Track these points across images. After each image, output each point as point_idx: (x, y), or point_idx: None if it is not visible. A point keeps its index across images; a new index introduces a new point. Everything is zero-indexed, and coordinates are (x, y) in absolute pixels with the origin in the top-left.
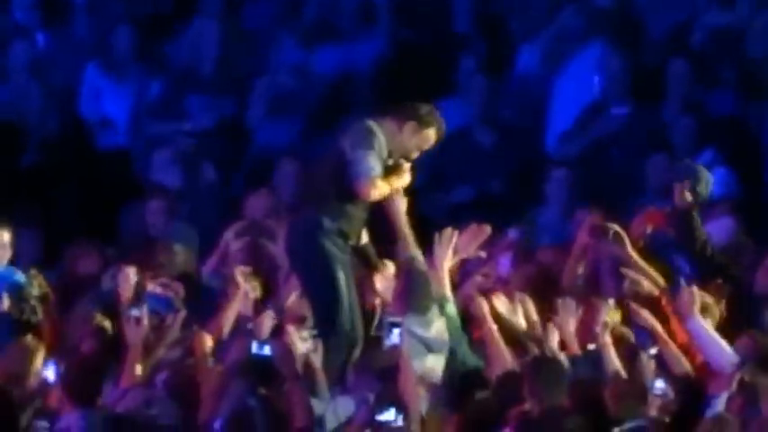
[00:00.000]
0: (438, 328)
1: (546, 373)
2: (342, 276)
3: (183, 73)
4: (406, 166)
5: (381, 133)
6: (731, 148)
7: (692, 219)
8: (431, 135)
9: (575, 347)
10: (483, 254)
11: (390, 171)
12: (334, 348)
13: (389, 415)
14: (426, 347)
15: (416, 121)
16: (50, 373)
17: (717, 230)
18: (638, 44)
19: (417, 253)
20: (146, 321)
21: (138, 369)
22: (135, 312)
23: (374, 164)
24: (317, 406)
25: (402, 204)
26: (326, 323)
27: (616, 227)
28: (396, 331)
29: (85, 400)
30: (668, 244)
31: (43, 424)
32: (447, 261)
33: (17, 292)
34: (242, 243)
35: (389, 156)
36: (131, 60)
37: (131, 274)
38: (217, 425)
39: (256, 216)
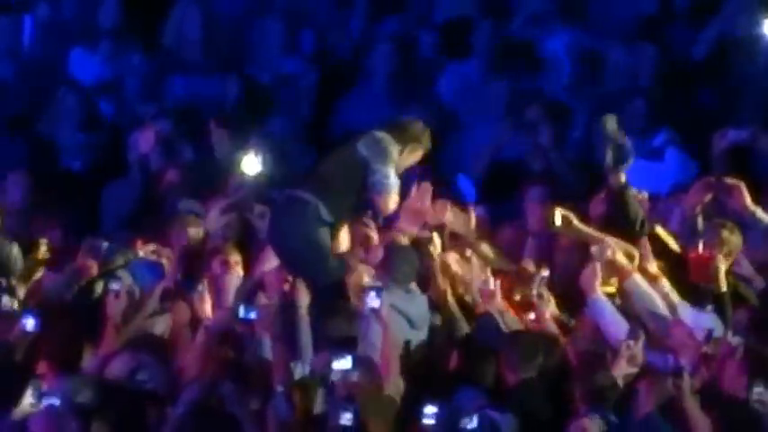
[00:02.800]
0: (420, 302)
1: (523, 346)
2: (330, 259)
3: (166, 54)
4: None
5: (394, 149)
6: (684, 130)
7: (627, 199)
8: (420, 155)
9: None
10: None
11: None
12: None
13: (346, 363)
14: (409, 323)
15: (417, 143)
16: (30, 324)
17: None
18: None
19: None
20: (124, 295)
21: (116, 340)
22: (114, 286)
23: (394, 179)
24: (299, 367)
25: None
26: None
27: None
28: (373, 294)
29: (68, 366)
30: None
31: (38, 385)
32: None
33: None
34: (227, 219)
35: None
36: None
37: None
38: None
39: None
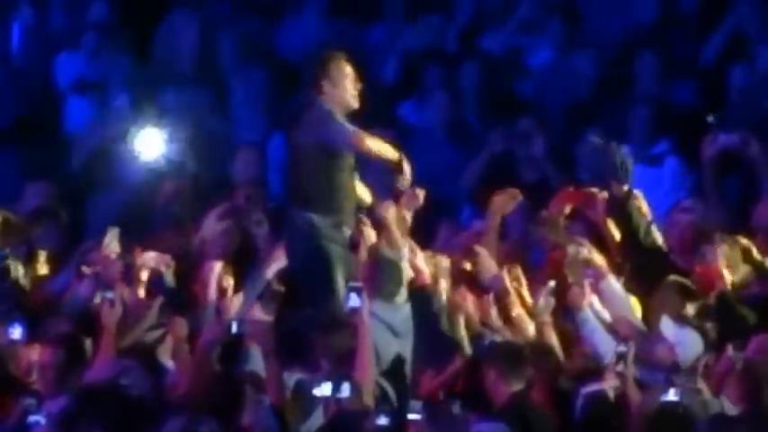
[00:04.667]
0: (404, 313)
1: (508, 358)
2: (340, 278)
3: (160, 65)
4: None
5: (330, 105)
6: (687, 139)
7: (629, 208)
8: (345, 66)
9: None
10: None
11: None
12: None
13: (326, 389)
14: (392, 333)
15: (326, 69)
16: (17, 333)
17: None
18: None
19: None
20: (119, 304)
21: (112, 350)
22: (109, 295)
23: (348, 125)
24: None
25: (392, 211)
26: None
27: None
28: (354, 295)
29: (65, 382)
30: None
31: (31, 402)
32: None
33: None
34: (224, 226)
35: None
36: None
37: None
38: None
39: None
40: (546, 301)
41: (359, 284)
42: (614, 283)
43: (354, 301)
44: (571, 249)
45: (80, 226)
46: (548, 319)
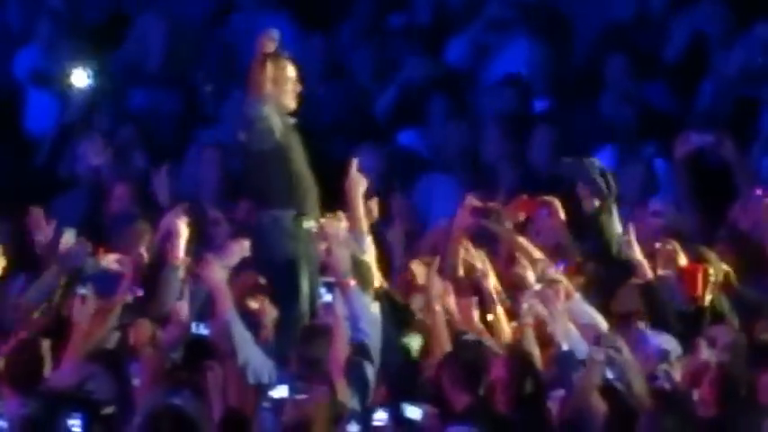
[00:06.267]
0: (373, 311)
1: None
2: (305, 281)
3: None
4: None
5: (268, 106)
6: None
7: (600, 223)
8: (288, 66)
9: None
10: None
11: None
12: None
13: (282, 391)
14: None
15: (266, 68)
16: None
17: None
18: (568, 39)
19: (365, 236)
20: (91, 300)
21: (82, 348)
22: (82, 291)
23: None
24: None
25: (362, 185)
26: (287, 319)
27: (498, 206)
28: (327, 291)
29: (26, 386)
30: None
31: None
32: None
33: None
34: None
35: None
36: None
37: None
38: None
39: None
40: (530, 305)
41: (330, 279)
42: (581, 302)
43: (326, 296)
44: (540, 267)
45: None
46: (530, 321)
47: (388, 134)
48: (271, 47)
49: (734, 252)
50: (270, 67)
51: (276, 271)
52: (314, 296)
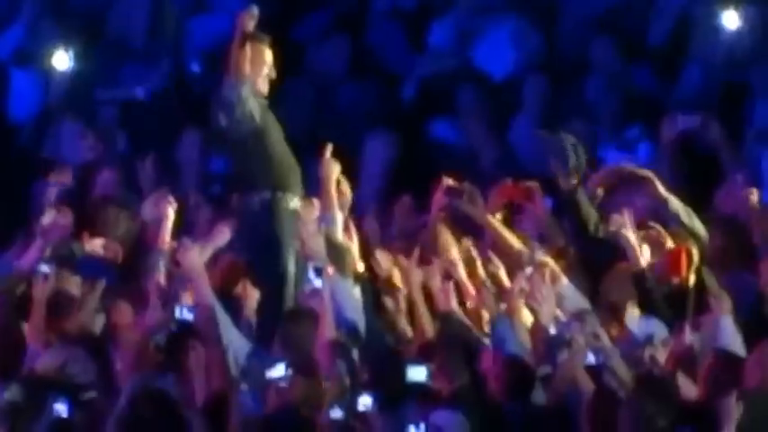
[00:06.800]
0: (355, 295)
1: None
2: (292, 267)
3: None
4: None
5: (246, 89)
6: (657, 125)
7: (578, 202)
8: (265, 50)
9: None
10: None
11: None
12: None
13: (279, 371)
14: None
15: (252, 47)
16: None
17: None
18: (556, 21)
19: (338, 218)
20: (53, 278)
21: (42, 327)
22: (44, 269)
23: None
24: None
25: (335, 168)
26: (274, 301)
27: (471, 187)
28: (315, 275)
29: (6, 370)
30: None
31: None
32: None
33: None
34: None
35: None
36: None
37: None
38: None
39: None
40: (521, 286)
41: (320, 264)
42: (568, 285)
43: (316, 280)
44: (525, 255)
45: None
46: (520, 303)
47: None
48: (250, 25)
49: (719, 235)
50: (249, 48)
51: (263, 253)
52: (300, 278)
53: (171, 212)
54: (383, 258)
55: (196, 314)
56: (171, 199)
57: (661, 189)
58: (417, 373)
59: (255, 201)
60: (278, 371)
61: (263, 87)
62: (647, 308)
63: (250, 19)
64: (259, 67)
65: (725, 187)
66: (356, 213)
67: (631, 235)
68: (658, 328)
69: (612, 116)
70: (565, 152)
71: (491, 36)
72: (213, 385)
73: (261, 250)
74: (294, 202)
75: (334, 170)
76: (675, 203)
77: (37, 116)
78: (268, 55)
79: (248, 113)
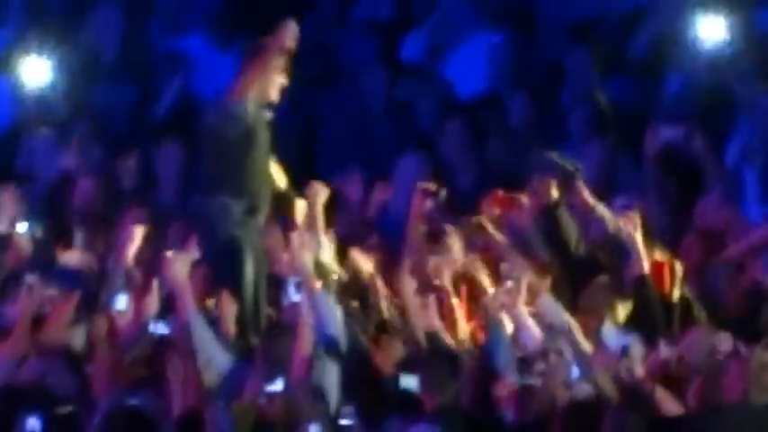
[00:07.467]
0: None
1: (439, 368)
2: (250, 268)
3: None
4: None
5: (249, 102)
6: (628, 137)
7: (561, 216)
8: (276, 59)
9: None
10: None
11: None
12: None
13: (278, 385)
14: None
15: (260, 59)
16: None
17: None
18: (534, 35)
19: (325, 243)
20: (38, 290)
21: (26, 339)
22: (30, 279)
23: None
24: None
25: (323, 194)
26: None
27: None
28: (295, 289)
29: None
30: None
31: None
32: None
33: None
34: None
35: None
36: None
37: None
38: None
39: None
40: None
41: (299, 278)
42: (548, 300)
43: (295, 295)
44: (504, 267)
45: None
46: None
47: None
48: (291, 44)
49: (699, 247)
50: (263, 55)
51: (219, 257)
52: (259, 288)
53: (139, 235)
54: (361, 259)
55: (172, 327)
56: (141, 221)
57: (587, 196)
58: (409, 382)
59: (218, 204)
60: (278, 385)
61: (275, 95)
62: (644, 315)
63: (291, 35)
64: (271, 74)
65: (705, 201)
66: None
67: (638, 238)
68: (633, 342)
69: (587, 127)
70: (550, 168)
71: (464, 50)
72: (188, 400)
73: (217, 253)
74: (258, 219)
75: (321, 195)
76: (602, 210)
77: (10, 128)
78: (280, 60)
79: (240, 117)
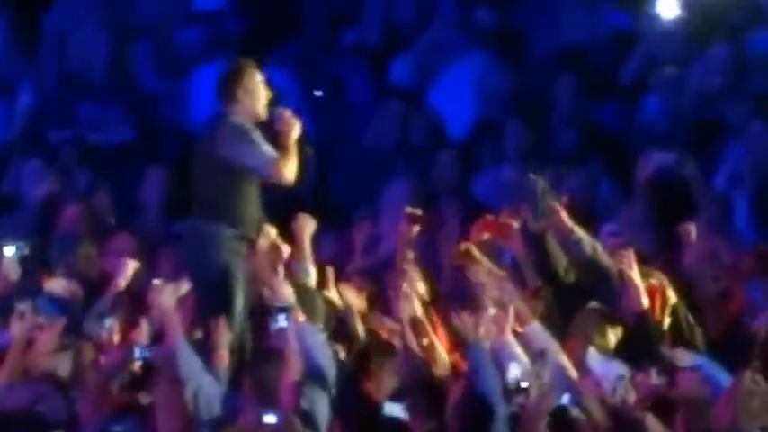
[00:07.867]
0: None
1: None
2: (239, 294)
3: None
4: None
5: (243, 119)
6: (616, 161)
7: (548, 243)
8: (256, 75)
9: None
10: None
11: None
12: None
13: (272, 418)
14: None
15: (240, 78)
16: None
17: None
18: (522, 61)
19: (311, 270)
20: (31, 318)
21: (19, 366)
22: (22, 307)
23: (265, 148)
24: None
25: (310, 225)
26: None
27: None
28: (282, 316)
29: None
30: None
31: None
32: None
33: None
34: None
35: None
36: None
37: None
38: None
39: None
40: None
41: (286, 305)
42: (537, 327)
43: (282, 322)
44: (493, 294)
45: None
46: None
47: None
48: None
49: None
50: (244, 77)
51: (210, 284)
52: (245, 318)
53: (130, 269)
54: (347, 291)
55: (159, 354)
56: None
57: (565, 218)
58: (393, 410)
59: (209, 230)
60: (270, 418)
61: (263, 112)
62: (646, 351)
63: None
64: (256, 93)
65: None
66: None
67: (636, 275)
68: (620, 369)
69: (573, 152)
70: (536, 196)
71: (453, 75)
72: (173, 428)
73: (208, 281)
74: (250, 245)
75: (308, 225)
76: (579, 233)
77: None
78: (260, 78)
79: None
